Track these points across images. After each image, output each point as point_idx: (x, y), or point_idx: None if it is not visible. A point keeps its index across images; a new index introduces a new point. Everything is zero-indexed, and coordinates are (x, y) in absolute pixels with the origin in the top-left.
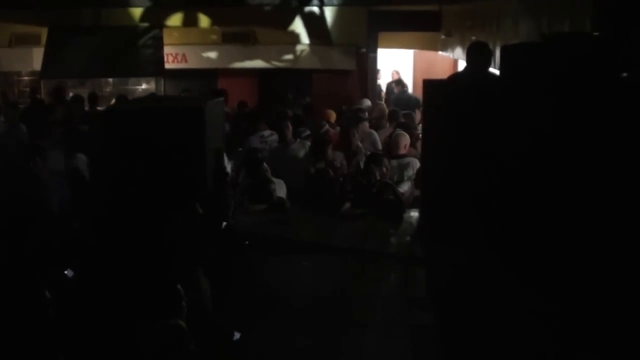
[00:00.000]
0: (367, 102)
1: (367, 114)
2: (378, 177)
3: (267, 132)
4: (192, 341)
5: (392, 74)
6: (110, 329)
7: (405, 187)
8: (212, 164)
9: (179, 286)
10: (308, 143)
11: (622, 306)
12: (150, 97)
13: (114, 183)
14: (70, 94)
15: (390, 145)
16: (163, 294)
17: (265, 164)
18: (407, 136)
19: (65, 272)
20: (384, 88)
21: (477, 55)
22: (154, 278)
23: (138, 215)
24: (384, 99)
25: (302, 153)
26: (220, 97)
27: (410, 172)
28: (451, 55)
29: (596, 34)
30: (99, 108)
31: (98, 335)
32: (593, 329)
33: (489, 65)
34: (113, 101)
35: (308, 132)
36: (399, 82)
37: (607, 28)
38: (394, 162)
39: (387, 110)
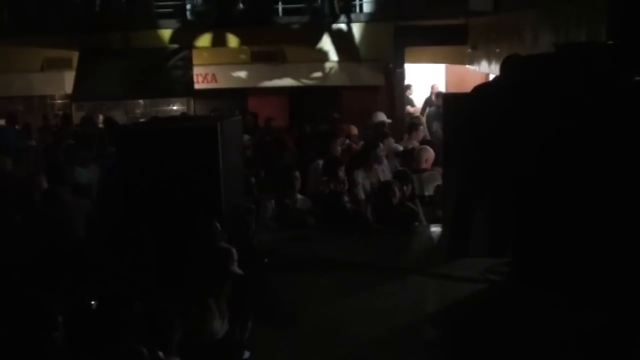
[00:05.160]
0: (382, 116)
1: None
2: (398, 195)
3: None
4: None
5: (433, 87)
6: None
7: None
8: (230, 183)
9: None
10: None
11: None
12: (181, 117)
13: (128, 203)
14: (101, 117)
15: (412, 159)
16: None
17: None
18: (430, 150)
19: (92, 302)
20: (417, 103)
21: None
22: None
23: (151, 236)
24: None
25: None
26: (238, 116)
27: (431, 188)
28: (478, 69)
29: (610, 42)
30: None
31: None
32: None
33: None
34: None
35: None
36: (438, 96)
37: (622, 36)
38: (414, 177)
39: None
